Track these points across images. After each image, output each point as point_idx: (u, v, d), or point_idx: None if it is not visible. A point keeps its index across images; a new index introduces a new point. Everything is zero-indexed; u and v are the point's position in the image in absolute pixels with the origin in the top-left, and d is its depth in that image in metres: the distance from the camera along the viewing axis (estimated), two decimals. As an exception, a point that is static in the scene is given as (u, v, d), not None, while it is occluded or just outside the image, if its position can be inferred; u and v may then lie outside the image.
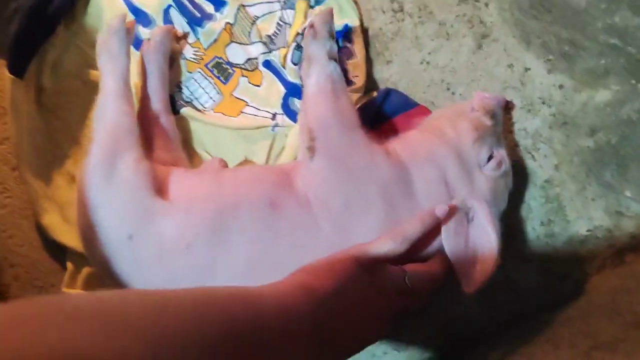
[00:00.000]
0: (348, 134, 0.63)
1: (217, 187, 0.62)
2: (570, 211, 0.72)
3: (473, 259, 0.59)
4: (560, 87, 0.75)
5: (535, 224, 0.73)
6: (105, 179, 0.61)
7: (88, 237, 0.61)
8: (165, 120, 0.74)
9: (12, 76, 0.72)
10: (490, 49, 0.77)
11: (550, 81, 0.75)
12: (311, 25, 0.67)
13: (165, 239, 0.59)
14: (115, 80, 0.67)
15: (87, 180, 0.62)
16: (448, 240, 0.59)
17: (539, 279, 0.71)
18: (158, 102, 0.74)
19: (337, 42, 0.77)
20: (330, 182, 0.61)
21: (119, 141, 0.64)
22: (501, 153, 0.65)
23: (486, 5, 0.78)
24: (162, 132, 0.73)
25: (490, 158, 0.64)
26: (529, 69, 0.76)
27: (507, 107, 0.74)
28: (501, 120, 0.69)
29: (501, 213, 0.65)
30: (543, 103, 0.75)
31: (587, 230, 0.72)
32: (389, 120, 0.74)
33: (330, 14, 0.68)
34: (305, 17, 0.78)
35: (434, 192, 0.61)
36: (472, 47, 0.77)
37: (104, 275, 0.61)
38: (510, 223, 0.72)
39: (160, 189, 0.63)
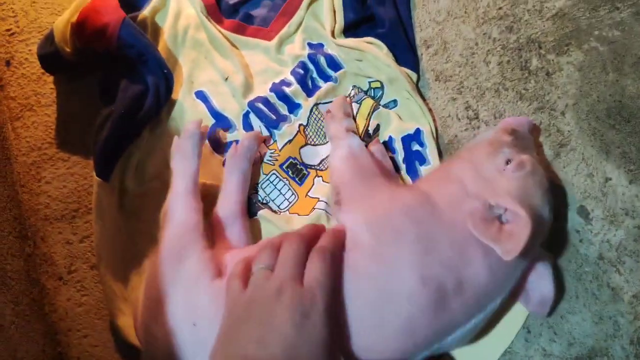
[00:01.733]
0: (367, 180, 0.68)
1: None
2: (660, 331, 0.69)
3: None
4: (644, 198, 0.73)
5: (625, 343, 0.70)
6: (173, 272, 0.64)
7: (152, 330, 0.63)
8: (241, 224, 0.75)
9: (99, 179, 0.75)
10: (569, 157, 0.76)
11: (633, 192, 0.74)
12: (328, 111, 0.78)
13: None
14: (185, 180, 0.72)
15: (156, 275, 0.64)
16: (476, 227, 0.58)
17: None
18: (236, 205, 0.75)
19: (408, 146, 0.78)
20: (357, 223, 0.63)
21: (186, 236, 0.67)
22: (522, 157, 0.63)
23: (562, 114, 0.78)
24: (236, 237, 0.74)
25: (508, 162, 0.63)
26: (610, 179, 0.75)
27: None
28: (528, 137, 0.69)
29: (546, 215, 0.63)
30: (626, 214, 0.73)
31: (681, 351, 0.68)
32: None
33: (343, 99, 0.79)
34: (370, 115, 0.80)
35: (458, 206, 0.61)
36: (549, 155, 0.77)
37: None
38: (596, 344, 0.69)
39: (220, 270, 0.65)
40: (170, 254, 0.65)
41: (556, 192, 0.76)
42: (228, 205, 0.75)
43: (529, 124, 0.72)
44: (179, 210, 0.69)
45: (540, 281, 0.65)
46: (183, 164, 0.73)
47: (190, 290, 0.63)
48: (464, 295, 0.59)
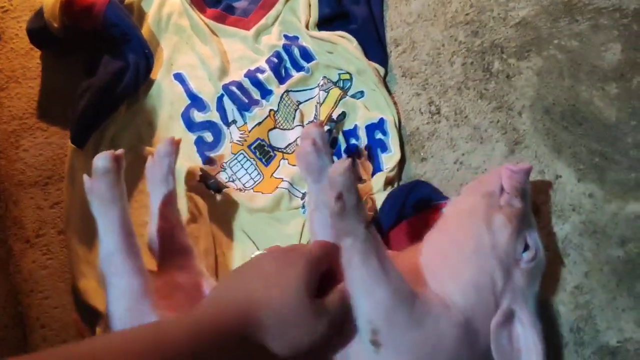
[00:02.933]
0: (412, 315, 0.54)
1: None
2: (601, 321, 0.72)
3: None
4: (591, 196, 0.77)
5: (564, 331, 0.72)
6: None
7: None
8: (179, 235, 0.73)
9: (73, 146, 0.78)
10: (522, 154, 0.80)
11: (580, 189, 0.77)
12: (338, 197, 0.53)
13: None
14: (113, 234, 0.62)
15: None
16: (498, 353, 0.57)
17: (567, 390, 0.70)
18: (170, 223, 0.72)
19: (373, 135, 0.82)
20: None
21: (132, 309, 0.59)
22: (534, 240, 0.63)
23: (519, 114, 0.82)
24: (178, 249, 0.72)
25: (525, 248, 0.62)
26: (560, 176, 0.79)
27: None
28: (529, 194, 0.67)
29: (536, 295, 0.63)
30: (573, 210, 0.77)
31: (618, 342, 0.70)
32: (422, 212, 0.76)
33: (351, 171, 0.54)
34: (337, 103, 0.84)
35: (488, 316, 0.59)
36: (504, 151, 0.81)
37: None
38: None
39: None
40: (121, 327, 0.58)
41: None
42: (164, 219, 0.72)
43: (530, 170, 0.68)
44: (116, 275, 0.60)
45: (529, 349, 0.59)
46: (104, 212, 0.62)
47: None
48: None
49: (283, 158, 0.83)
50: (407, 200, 0.77)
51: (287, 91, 0.85)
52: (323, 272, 0.51)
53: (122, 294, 0.60)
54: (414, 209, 0.77)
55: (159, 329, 0.43)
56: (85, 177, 0.64)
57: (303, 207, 0.80)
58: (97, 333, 0.75)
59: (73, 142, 0.79)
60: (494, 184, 0.65)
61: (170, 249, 0.71)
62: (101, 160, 0.62)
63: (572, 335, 0.72)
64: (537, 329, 0.59)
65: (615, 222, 0.75)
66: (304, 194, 0.81)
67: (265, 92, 0.86)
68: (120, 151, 0.65)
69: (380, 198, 0.78)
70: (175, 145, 0.74)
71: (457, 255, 0.61)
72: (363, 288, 0.53)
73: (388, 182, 0.79)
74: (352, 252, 0.53)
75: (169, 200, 0.73)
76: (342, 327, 0.52)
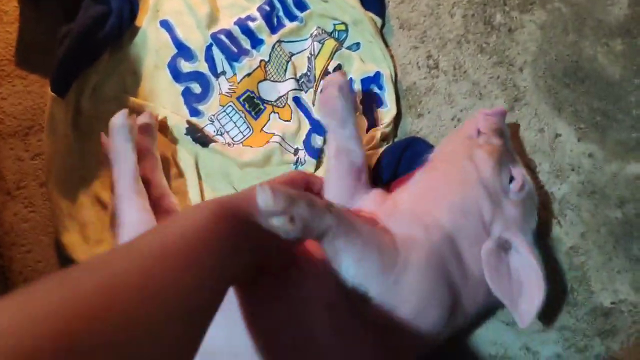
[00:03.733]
0: (397, 267, 0.55)
1: None
2: (595, 282, 0.71)
3: (520, 292, 0.59)
4: (590, 155, 0.75)
5: (558, 291, 0.71)
6: None
7: None
8: (167, 203, 0.74)
9: (53, 94, 0.75)
10: (522, 112, 0.78)
11: (580, 149, 0.75)
12: (291, 220, 0.48)
13: None
14: (126, 179, 0.69)
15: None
16: (492, 279, 0.58)
17: (557, 350, 0.69)
18: (158, 184, 0.74)
19: (368, 88, 0.79)
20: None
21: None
22: (520, 172, 0.64)
23: (520, 70, 0.79)
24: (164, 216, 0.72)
25: (511, 180, 0.63)
26: (560, 135, 0.76)
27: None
28: (508, 134, 0.69)
29: (534, 231, 0.64)
30: (572, 170, 0.75)
31: (612, 303, 0.70)
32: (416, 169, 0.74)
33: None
34: (332, 55, 0.80)
35: (477, 241, 0.60)
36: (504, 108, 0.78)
37: None
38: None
39: None
40: None
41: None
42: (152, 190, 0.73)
43: (505, 112, 0.70)
44: (127, 211, 0.67)
45: (532, 288, 0.60)
46: (119, 164, 0.70)
47: None
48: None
49: (273, 112, 0.80)
50: (402, 156, 0.75)
51: (279, 41, 0.81)
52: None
53: (132, 225, 0.66)
54: (409, 165, 0.75)
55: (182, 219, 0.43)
56: (102, 135, 0.73)
57: (296, 163, 0.77)
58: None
59: (53, 91, 0.75)
60: (471, 128, 0.68)
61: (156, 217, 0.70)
62: (117, 118, 0.71)
63: (566, 296, 0.71)
64: (535, 255, 0.59)
65: (615, 182, 0.73)
66: (296, 149, 0.78)
67: (256, 42, 0.82)
68: (133, 115, 0.74)
69: (375, 154, 0.75)
70: (133, 120, 0.74)
71: (443, 185, 0.64)
72: (353, 260, 0.53)
73: (383, 138, 0.77)
74: (333, 241, 0.52)
75: (154, 166, 0.75)
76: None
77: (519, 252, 0.60)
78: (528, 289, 0.59)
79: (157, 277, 0.35)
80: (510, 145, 0.68)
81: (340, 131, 0.69)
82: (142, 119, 0.76)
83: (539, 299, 0.58)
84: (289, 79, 0.80)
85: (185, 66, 0.81)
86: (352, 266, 0.53)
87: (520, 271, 0.60)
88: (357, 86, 0.79)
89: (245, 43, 0.81)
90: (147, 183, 0.73)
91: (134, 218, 0.67)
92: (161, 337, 0.34)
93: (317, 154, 0.76)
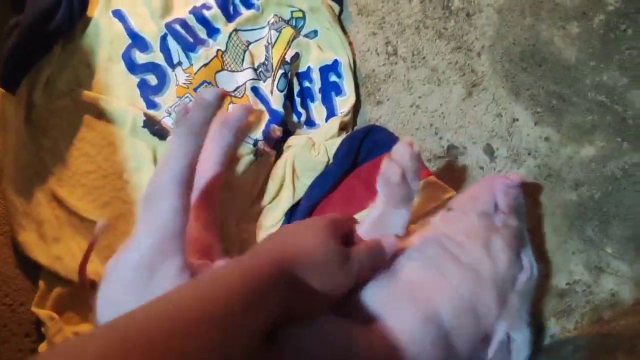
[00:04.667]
0: None
1: None
2: (550, 264, 0.72)
3: None
4: (547, 139, 0.76)
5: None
6: (142, 280, 0.53)
7: None
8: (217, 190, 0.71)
9: (3, 90, 0.72)
10: (480, 97, 0.78)
11: (537, 133, 0.76)
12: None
13: None
14: (181, 162, 0.58)
15: (120, 275, 0.54)
16: None
17: (515, 331, 0.70)
18: (212, 173, 0.70)
19: (327, 77, 0.78)
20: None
21: (166, 243, 0.55)
22: (529, 258, 0.61)
23: (478, 55, 0.79)
24: (206, 207, 0.69)
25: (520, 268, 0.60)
26: (517, 119, 0.77)
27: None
28: (524, 209, 0.63)
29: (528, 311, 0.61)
30: (529, 154, 0.76)
31: (566, 284, 0.71)
32: (376, 157, 0.74)
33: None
34: (289, 44, 0.79)
35: (473, 339, 0.57)
36: (462, 94, 0.78)
37: None
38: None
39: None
40: (141, 263, 0.54)
41: (465, 130, 0.78)
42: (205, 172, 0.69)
43: (520, 186, 0.64)
44: (163, 207, 0.56)
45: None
46: (185, 141, 0.59)
47: None
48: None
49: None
50: (362, 145, 0.75)
51: (235, 30, 0.80)
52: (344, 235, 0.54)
53: (158, 227, 0.55)
54: (369, 154, 0.75)
55: (212, 282, 0.42)
56: (182, 104, 0.71)
57: (255, 155, 0.76)
58: (39, 287, 0.72)
59: (2, 86, 0.72)
60: (488, 202, 0.61)
61: (208, 202, 0.68)
62: (208, 93, 0.61)
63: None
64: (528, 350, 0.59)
65: (570, 165, 0.75)
66: (255, 141, 0.77)
67: (212, 31, 0.80)
68: (227, 95, 0.68)
69: (334, 144, 0.75)
70: (251, 112, 0.73)
71: (454, 272, 0.57)
72: None
73: (342, 127, 0.77)
74: None
75: (223, 160, 0.71)
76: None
77: (515, 347, 0.58)
78: None
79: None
80: (525, 225, 0.63)
81: (390, 210, 0.60)
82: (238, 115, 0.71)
83: None
84: (247, 68, 0.79)
85: (141, 57, 0.79)
86: None
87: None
88: (316, 75, 0.78)
89: (202, 33, 0.80)
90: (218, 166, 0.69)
91: (164, 220, 0.55)
92: None
93: (277, 145, 0.76)
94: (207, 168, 0.69)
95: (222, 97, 0.61)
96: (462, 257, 0.58)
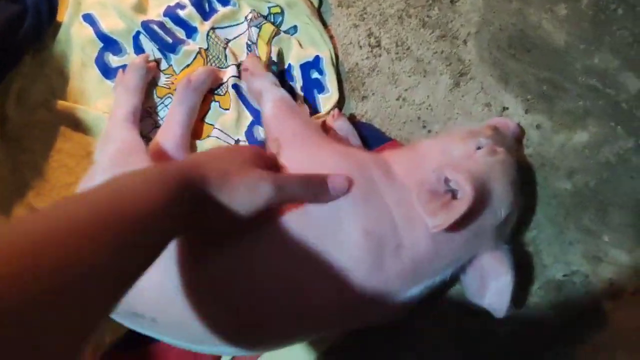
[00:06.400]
0: (309, 129, 0.63)
1: None
2: (547, 255, 0.70)
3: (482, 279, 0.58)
4: (538, 127, 0.73)
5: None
6: None
7: None
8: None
9: (-26, 105, 0.70)
10: (468, 87, 0.75)
11: (528, 121, 0.74)
12: (245, 69, 0.73)
13: None
14: (126, 108, 0.70)
15: None
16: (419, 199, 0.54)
17: (513, 327, 0.69)
18: (180, 139, 0.71)
19: (308, 74, 0.76)
20: (302, 166, 0.57)
21: (132, 154, 0.63)
22: (492, 146, 0.58)
23: (464, 43, 0.76)
24: None
25: (479, 149, 0.58)
26: (507, 108, 0.74)
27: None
28: (510, 139, 0.64)
29: (506, 206, 0.56)
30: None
31: (564, 275, 0.69)
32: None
33: (255, 57, 0.74)
34: (270, 40, 0.76)
35: (414, 173, 0.56)
36: (449, 84, 0.76)
37: None
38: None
39: None
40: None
41: (454, 122, 0.75)
42: (172, 138, 0.70)
43: (514, 128, 0.67)
44: (119, 131, 0.67)
45: (497, 273, 0.57)
46: (125, 96, 0.72)
47: None
48: (401, 258, 0.53)
49: (214, 100, 0.77)
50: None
51: (212, 28, 0.77)
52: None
53: (122, 142, 0.65)
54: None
55: (121, 188, 0.40)
56: (120, 71, 0.75)
57: (237, 157, 0.74)
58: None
59: (-28, 101, 0.70)
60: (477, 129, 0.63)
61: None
62: (139, 58, 0.74)
63: (518, 272, 0.71)
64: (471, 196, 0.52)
65: (564, 153, 0.72)
66: (237, 141, 0.75)
67: (190, 30, 0.77)
68: (154, 63, 0.77)
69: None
70: (151, 66, 0.76)
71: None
72: (273, 119, 0.65)
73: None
74: (266, 101, 0.67)
75: (189, 122, 0.73)
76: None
77: (459, 187, 0.53)
78: (454, 204, 0.53)
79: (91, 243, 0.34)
80: (512, 149, 0.63)
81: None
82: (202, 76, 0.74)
83: (459, 210, 0.51)
84: (231, 65, 0.76)
85: (114, 60, 0.77)
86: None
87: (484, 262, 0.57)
88: (297, 72, 0.75)
89: (180, 34, 0.77)
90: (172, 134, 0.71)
91: (125, 136, 0.66)
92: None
93: (261, 147, 0.74)
94: (173, 129, 0.71)
95: (148, 59, 0.75)
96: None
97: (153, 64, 0.76)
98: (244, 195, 0.46)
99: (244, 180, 0.47)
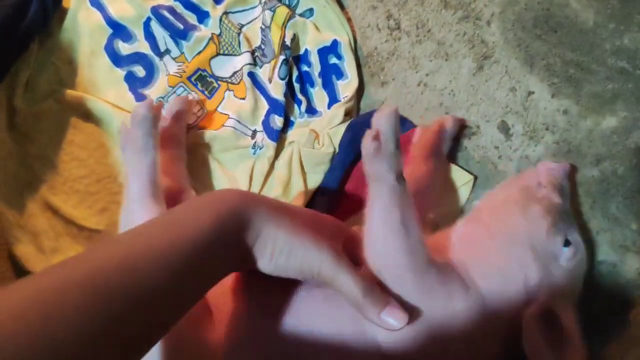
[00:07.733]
0: (421, 281, 0.51)
1: None
2: (573, 245, 0.69)
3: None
4: (565, 112, 0.71)
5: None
6: None
7: None
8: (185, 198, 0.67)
9: (-20, 97, 0.68)
10: (492, 70, 0.73)
11: (554, 106, 0.71)
12: (375, 137, 0.48)
13: None
14: (140, 179, 0.60)
15: None
16: (530, 347, 0.52)
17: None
18: (178, 178, 0.68)
19: (325, 58, 0.73)
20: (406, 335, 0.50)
21: None
22: (575, 238, 0.58)
23: (488, 23, 0.73)
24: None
25: (566, 244, 0.57)
26: (533, 92, 0.72)
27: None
28: (569, 194, 0.64)
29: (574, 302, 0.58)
30: (547, 129, 0.71)
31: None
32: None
33: (396, 116, 0.48)
34: (285, 25, 0.73)
35: (513, 308, 0.54)
36: (472, 68, 0.73)
37: None
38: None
39: None
40: None
41: (477, 108, 0.73)
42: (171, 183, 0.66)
43: (570, 171, 0.65)
44: (139, 215, 0.57)
45: None
46: (135, 159, 0.61)
47: None
48: None
49: (228, 89, 0.74)
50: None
51: (225, 12, 0.74)
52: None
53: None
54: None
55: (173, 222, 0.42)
56: (122, 125, 0.64)
57: (253, 147, 0.72)
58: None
59: (-20, 93, 0.68)
60: (531, 178, 0.62)
61: None
62: (140, 107, 0.62)
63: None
64: (579, 331, 0.53)
65: (591, 139, 0.70)
66: (254, 131, 0.73)
67: (202, 15, 0.74)
68: (158, 102, 0.68)
69: (338, 132, 0.70)
70: (156, 109, 0.64)
71: (489, 244, 0.56)
72: (378, 235, 0.50)
73: (347, 113, 0.72)
74: (376, 197, 0.50)
75: (178, 157, 0.69)
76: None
77: (562, 326, 0.53)
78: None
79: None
80: (569, 207, 0.62)
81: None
82: (173, 107, 0.69)
83: None
84: (245, 52, 0.74)
85: (125, 48, 0.74)
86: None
87: (560, 346, 0.54)
88: (314, 58, 0.73)
89: (191, 19, 0.74)
90: (166, 175, 0.66)
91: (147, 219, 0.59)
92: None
93: (277, 136, 0.71)
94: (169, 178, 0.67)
95: (152, 105, 0.62)
96: (494, 225, 0.57)
97: (159, 105, 0.67)
98: (289, 247, 0.45)
99: (304, 233, 0.45)
